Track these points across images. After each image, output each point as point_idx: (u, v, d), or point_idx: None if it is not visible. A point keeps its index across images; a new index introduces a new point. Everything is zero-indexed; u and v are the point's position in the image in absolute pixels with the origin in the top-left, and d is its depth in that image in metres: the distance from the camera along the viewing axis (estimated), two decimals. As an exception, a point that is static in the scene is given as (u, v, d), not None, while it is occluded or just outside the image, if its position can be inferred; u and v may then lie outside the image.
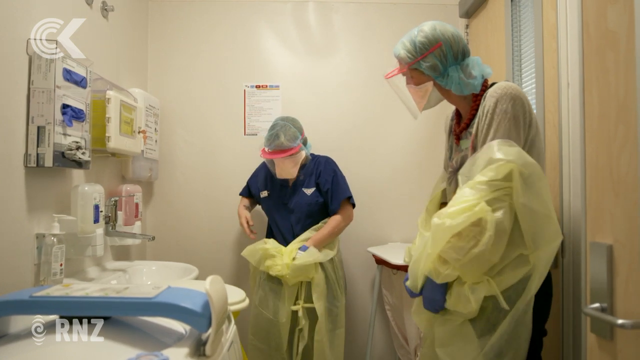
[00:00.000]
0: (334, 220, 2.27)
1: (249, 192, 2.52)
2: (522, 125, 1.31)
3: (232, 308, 1.65)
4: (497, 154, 1.23)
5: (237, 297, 1.75)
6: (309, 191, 2.32)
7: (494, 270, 1.26)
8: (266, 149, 2.25)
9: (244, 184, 2.55)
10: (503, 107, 1.30)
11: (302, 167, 2.33)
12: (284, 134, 2.19)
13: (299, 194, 2.33)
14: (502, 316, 1.25)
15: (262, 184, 2.42)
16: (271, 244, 2.23)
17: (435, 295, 1.34)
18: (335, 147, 2.69)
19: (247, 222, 2.35)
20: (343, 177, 2.38)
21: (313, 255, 2.13)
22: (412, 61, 1.43)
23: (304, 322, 2.17)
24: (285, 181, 2.36)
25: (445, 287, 1.33)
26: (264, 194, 2.40)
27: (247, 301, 1.79)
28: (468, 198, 1.22)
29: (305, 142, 2.32)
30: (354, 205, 2.36)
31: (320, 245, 2.22)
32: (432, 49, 1.40)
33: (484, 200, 1.20)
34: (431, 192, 1.68)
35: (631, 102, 1.09)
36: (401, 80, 1.54)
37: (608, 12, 1.18)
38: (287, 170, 2.26)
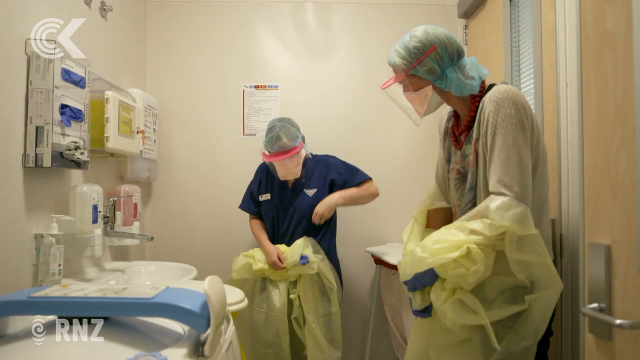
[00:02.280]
0: (363, 186, 2.32)
1: (256, 204, 2.42)
2: (527, 129, 1.28)
3: (231, 308, 1.65)
4: (493, 215, 1.20)
5: (235, 297, 1.75)
6: (310, 192, 2.31)
7: (485, 298, 1.24)
8: (267, 152, 2.23)
9: (243, 184, 2.51)
10: (507, 111, 1.27)
11: (303, 166, 2.32)
12: (285, 135, 2.18)
13: (300, 196, 2.32)
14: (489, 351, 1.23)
15: (262, 187, 2.41)
16: (259, 255, 2.23)
17: (425, 277, 1.31)
18: (335, 147, 2.68)
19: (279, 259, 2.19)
20: (353, 165, 2.41)
21: (311, 270, 2.16)
22: (408, 67, 1.41)
23: (299, 311, 2.17)
24: (284, 182, 2.35)
25: (436, 274, 1.29)
26: (265, 197, 2.38)
27: (245, 301, 1.79)
28: (455, 238, 1.23)
29: (303, 139, 2.32)
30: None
31: (346, 200, 2.26)
32: (428, 52, 1.38)
33: (472, 242, 1.20)
34: (419, 205, 1.63)
35: (629, 102, 1.09)
36: (399, 88, 1.51)
37: (606, 12, 1.19)
38: (290, 170, 2.25)
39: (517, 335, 1.22)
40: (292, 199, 2.33)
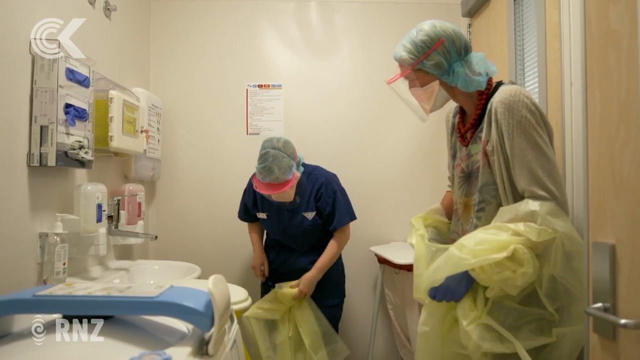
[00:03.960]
0: (331, 248, 2.23)
1: (253, 216, 2.37)
2: (544, 128, 1.27)
3: (235, 307, 1.66)
4: (543, 220, 1.16)
5: (239, 296, 1.76)
6: (309, 215, 2.21)
7: (511, 326, 1.19)
8: (259, 179, 2.08)
9: (246, 183, 2.50)
10: (522, 114, 1.25)
11: (298, 187, 2.17)
12: (277, 167, 2.01)
13: (298, 218, 2.22)
14: None
15: (258, 205, 2.31)
16: (270, 303, 2.22)
17: (458, 289, 1.27)
18: (338, 146, 2.69)
19: (262, 272, 2.33)
20: (344, 196, 2.27)
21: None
22: (415, 62, 1.38)
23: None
24: (282, 204, 2.21)
25: (470, 283, 1.26)
26: (262, 215, 2.29)
27: (249, 300, 1.79)
28: (498, 238, 1.17)
29: (298, 164, 2.16)
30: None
31: (323, 271, 2.22)
32: (435, 46, 1.36)
33: (518, 243, 1.16)
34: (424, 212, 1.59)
35: (633, 101, 1.08)
36: (404, 84, 1.48)
37: (610, 11, 1.18)
38: (284, 196, 2.12)
39: None
40: (290, 220, 2.23)
